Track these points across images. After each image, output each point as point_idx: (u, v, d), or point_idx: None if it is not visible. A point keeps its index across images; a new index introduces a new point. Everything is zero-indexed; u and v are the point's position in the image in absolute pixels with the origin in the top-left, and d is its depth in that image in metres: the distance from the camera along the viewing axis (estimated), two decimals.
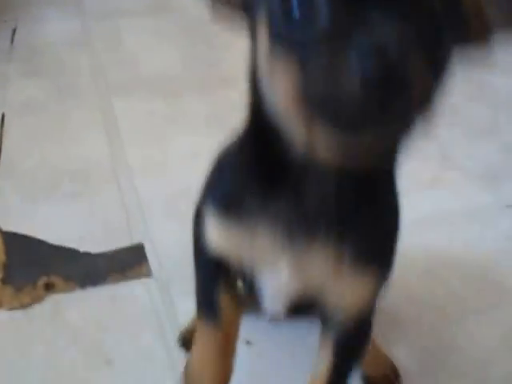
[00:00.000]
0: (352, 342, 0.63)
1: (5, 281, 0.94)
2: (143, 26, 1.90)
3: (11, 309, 0.91)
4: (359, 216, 0.53)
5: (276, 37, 0.43)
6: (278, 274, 0.57)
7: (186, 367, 0.73)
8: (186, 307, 0.86)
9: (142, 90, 1.54)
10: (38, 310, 0.91)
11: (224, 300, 0.66)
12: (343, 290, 0.56)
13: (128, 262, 0.99)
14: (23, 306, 0.91)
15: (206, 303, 0.68)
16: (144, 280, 0.96)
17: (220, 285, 0.65)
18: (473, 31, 0.47)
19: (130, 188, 1.18)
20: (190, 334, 0.79)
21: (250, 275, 0.61)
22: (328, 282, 0.56)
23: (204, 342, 0.68)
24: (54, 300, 0.92)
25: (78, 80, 1.58)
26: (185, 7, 2.01)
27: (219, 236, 0.60)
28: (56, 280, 0.95)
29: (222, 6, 0.49)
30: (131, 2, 2.07)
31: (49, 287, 0.94)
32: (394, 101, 0.39)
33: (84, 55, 1.72)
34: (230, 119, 1.51)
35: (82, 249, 1.02)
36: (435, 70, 0.43)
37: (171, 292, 0.94)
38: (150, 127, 1.39)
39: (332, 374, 0.63)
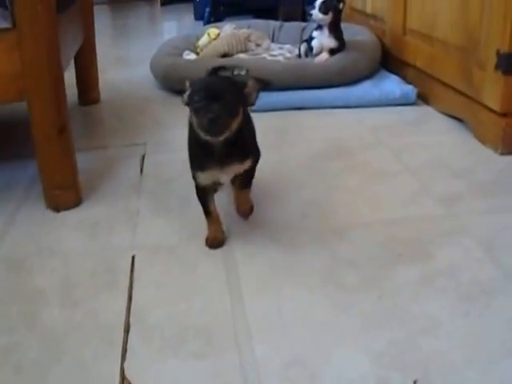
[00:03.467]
0: (249, 174, 1.61)
1: None
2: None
3: None
4: (236, 147, 1.46)
5: (192, 110, 1.40)
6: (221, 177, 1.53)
7: (208, 238, 1.59)
8: None
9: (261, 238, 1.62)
10: None
11: (212, 205, 1.58)
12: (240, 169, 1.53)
13: None
14: None
15: (205, 210, 1.57)
16: None
17: (209, 198, 1.57)
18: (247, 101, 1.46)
19: (249, 351, 1.20)
20: None
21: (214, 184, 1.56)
22: (235, 170, 1.52)
23: (210, 223, 1.59)
24: None
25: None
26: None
27: (201, 178, 1.51)
28: None
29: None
30: None
31: None
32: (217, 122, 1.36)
33: None
34: (345, 277, 1.45)
35: None
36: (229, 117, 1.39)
37: None
38: (268, 276, 1.44)
39: (243, 180, 1.63)
